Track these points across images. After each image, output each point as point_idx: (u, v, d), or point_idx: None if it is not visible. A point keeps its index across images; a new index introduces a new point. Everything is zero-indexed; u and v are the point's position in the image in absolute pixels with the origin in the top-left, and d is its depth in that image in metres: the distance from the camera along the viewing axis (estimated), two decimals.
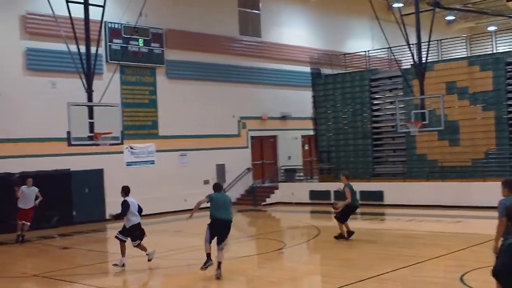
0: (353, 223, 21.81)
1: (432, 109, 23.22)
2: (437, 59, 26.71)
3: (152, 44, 25.98)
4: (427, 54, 23.30)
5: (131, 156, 25.16)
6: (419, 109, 23.15)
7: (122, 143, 19.08)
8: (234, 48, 29.53)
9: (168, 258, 15.15)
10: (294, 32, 32.53)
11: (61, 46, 20.07)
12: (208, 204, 12.72)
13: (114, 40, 24.69)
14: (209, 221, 12.71)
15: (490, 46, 26.75)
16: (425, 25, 23.74)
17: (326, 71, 30.44)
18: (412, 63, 24.27)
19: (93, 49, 18.02)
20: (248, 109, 29.87)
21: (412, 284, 11.55)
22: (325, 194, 25.66)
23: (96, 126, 17.11)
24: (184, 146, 27.00)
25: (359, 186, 25.73)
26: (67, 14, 17.57)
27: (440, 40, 27.78)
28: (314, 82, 30.26)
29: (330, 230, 17.51)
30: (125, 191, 14.35)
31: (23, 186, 18.70)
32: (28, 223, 18.64)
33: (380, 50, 30.95)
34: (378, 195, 25.14)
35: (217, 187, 13.23)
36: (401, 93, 27.04)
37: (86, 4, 18.11)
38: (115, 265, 13.69)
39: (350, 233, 16.64)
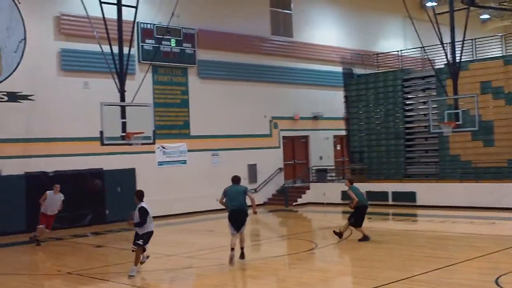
0: (385, 224, 21.74)
1: (466, 109, 22.95)
2: (471, 59, 26.37)
3: (184, 44, 26.10)
4: (461, 53, 23.02)
5: (163, 155, 25.31)
6: (453, 109, 22.89)
7: (154, 143, 19.17)
8: (265, 48, 29.52)
9: (200, 258, 15.20)
10: (326, 32, 32.40)
11: (94, 47, 20.29)
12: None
13: (147, 41, 24.86)
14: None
15: None
16: (459, 23, 23.42)
17: (358, 71, 30.26)
18: (445, 62, 24.00)
19: (125, 50, 18.16)
20: (280, 109, 29.83)
21: (446, 286, 11.38)
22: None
23: (128, 126, 17.22)
24: (215, 146, 27.07)
25: (391, 187, 25.72)
26: (100, 15, 17.74)
27: (475, 39, 27.39)
28: (346, 82, 30.10)
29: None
30: (140, 196, 13.25)
31: (48, 192, 17.88)
32: (48, 230, 18.11)
33: (413, 50, 30.66)
34: (411, 196, 24.89)
35: (234, 180, 14.05)
36: (434, 93, 26.75)
37: (119, 5, 18.27)
38: (131, 276, 12.81)
39: (365, 238, 16.49)
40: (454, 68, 23.04)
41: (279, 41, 30.18)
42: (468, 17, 23.15)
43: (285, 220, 24.70)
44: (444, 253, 14.78)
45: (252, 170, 28.42)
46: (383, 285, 11.21)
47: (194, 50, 26.43)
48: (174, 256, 15.54)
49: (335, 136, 32.37)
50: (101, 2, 17.82)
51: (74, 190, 19.50)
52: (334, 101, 31.02)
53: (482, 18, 40.42)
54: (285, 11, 30.73)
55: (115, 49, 17.95)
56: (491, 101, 24.95)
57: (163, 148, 25.22)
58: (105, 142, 17.05)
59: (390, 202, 25.43)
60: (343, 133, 30.73)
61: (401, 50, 30.37)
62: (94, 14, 18.21)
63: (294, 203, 27.90)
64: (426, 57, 26.77)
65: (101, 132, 16.79)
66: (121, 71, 18.01)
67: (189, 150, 26.12)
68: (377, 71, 30.31)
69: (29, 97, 21.71)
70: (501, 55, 26.94)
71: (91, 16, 18.11)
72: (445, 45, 23.17)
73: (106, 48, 17.88)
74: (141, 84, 19.06)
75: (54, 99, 22.26)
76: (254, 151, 28.50)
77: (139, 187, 23.64)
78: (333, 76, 31.51)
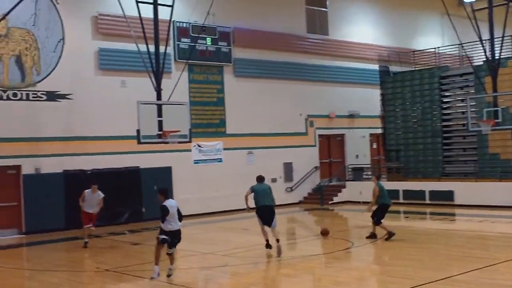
0: (423, 223, 21.50)
1: (505, 107, 22.61)
2: (511, 55, 25.89)
3: (220, 43, 26.16)
4: (501, 50, 22.67)
5: (199, 154, 25.41)
6: (492, 107, 22.53)
7: (190, 141, 19.25)
8: (301, 46, 29.41)
9: (236, 256, 15.21)
10: (362, 29, 32.15)
11: (131, 46, 20.48)
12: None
13: (182, 39, 24.98)
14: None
15: None
16: (498, 20, 23.03)
17: (394, 68, 29.98)
18: (484, 59, 23.64)
19: (161, 48, 18.30)
20: (316, 108, 29.70)
21: (486, 287, 11.19)
22: (393, 194, 25.14)
23: (164, 125, 17.34)
24: (251, 144, 27.09)
25: (428, 186, 25.43)
26: (137, 14, 17.91)
27: None
28: (383, 80, 29.86)
29: (399, 230, 17.21)
30: (165, 193, 12.87)
31: (86, 191, 17.50)
32: (93, 228, 17.58)
33: (450, 47, 30.25)
34: (449, 195, 24.57)
35: (259, 179, 15.29)
36: (473, 91, 26.35)
37: (155, 4, 18.42)
38: (152, 278, 12.45)
39: (373, 235, 16.76)
40: (493, 65, 22.71)
41: (314, 39, 30.03)
42: (507, 13, 22.74)
43: (321, 219, 24.59)
44: (483, 253, 14.56)
45: (288, 168, 28.38)
46: (420, 285, 11.07)
47: (230, 48, 26.48)
48: (210, 254, 15.60)
49: (371, 135, 32.13)
50: (137, 2, 17.99)
51: (111, 188, 19.66)
52: (370, 99, 30.77)
53: None
54: (321, 8, 30.57)
55: (152, 48, 18.11)
56: None
57: (199, 146, 25.31)
58: (142, 140, 17.21)
59: (427, 201, 25.14)
60: (379, 131, 30.49)
61: (438, 47, 29.98)
62: (131, 13, 18.40)
63: (330, 202, 27.78)
64: (464, 54, 26.40)
65: (138, 131, 16.94)
66: (157, 69, 18.15)
67: (225, 149, 26.18)
68: (413, 69, 29.99)
69: (67, 96, 22.01)
70: None
71: (128, 16, 18.29)
72: (483, 41, 22.81)
73: (142, 47, 18.05)
74: (177, 83, 19.16)
75: (92, 98, 22.51)
76: (290, 149, 28.44)
77: (175, 185, 23.89)
78: (369, 74, 31.26)
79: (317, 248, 16.83)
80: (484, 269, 12.30)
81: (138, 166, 23.35)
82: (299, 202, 28.57)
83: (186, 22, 24.84)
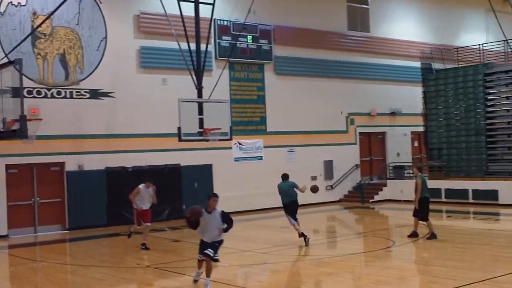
0: (466, 223, 21.17)
1: None
2: None
3: (261, 41, 26.16)
4: None
5: (239, 151, 25.48)
6: None
7: (230, 139, 19.31)
8: (342, 43, 29.23)
9: (275, 254, 15.21)
10: (404, 26, 31.79)
11: (172, 44, 20.66)
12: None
13: (223, 37, 25.05)
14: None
15: None
16: None
17: (437, 66, 29.56)
18: None
19: (202, 46, 18.40)
20: (357, 105, 29.50)
21: None
22: (435, 192, 24.84)
23: (205, 122, 17.45)
24: (291, 142, 27.05)
25: (471, 185, 25.02)
26: (178, 13, 18.05)
27: None
28: (425, 77, 29.44)
29: (441, 229, 16.98)
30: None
31: (141, 185, 16.56)
32: (149, 224, 16.66)
33: (495, 43, 29.69)
34: (493, 194, 24.15)
35: (283, 177, 16.68)
36: None
37: (197, 3, 18.54)
38: (196, 281, 12.04)
39: (415, 234, 16.52)
40: None
41: (356, 36, 29.82)
42: None
43: (361, 217, 24.43)
44: None
45: (328, 166, 28.26)
46: (463, 285, 10.90)
47: (271, 46, 26.47)
48: (249, 251, 15.64)
49: (412, 133, 31.77)
50: (179, 0, 18.13)
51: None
52: (411, 97, 30.44)
53: None
54: (362, 6, 30.33)
55: (193, 46, 18.25)
56: None
57: (240, 144, 25.38)
58: (183, 138, 17.34)
59: (471, 200, 24.75)
60: (421, 129, 30.10)
61: (482, 44, 29.48)
62: (172, 12, 18.57)
63: (371, 200, 27.58)
64: (509, 50, 25.86)
65: (179, 128, 17.08)
66: (198, 67, 18.28)
67: (265, 146, 26.19)
68: (457, 66, 29.52)
69: (110, 94, 22.29)
70: None
71: (169, 14, 18.46)
72: None
73: (183, 45, 18.19)
74: (218, 81, 19.24)
75: (133, 96, 22.75)
76: (330, 147, 28.32)
77: (215, 182, 24.00)
78: (411, 71, 30.90)
79: (357, 247, 16.71)
80: None
81: (179, 164, 23.52)
82: (339, 200, 28.43)
83: (227, 20, 24.91)
